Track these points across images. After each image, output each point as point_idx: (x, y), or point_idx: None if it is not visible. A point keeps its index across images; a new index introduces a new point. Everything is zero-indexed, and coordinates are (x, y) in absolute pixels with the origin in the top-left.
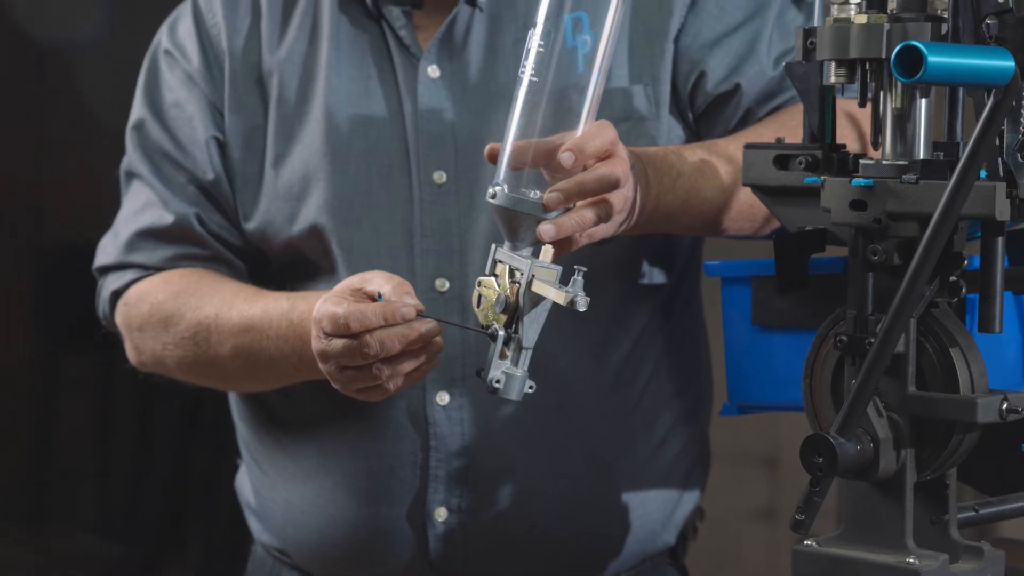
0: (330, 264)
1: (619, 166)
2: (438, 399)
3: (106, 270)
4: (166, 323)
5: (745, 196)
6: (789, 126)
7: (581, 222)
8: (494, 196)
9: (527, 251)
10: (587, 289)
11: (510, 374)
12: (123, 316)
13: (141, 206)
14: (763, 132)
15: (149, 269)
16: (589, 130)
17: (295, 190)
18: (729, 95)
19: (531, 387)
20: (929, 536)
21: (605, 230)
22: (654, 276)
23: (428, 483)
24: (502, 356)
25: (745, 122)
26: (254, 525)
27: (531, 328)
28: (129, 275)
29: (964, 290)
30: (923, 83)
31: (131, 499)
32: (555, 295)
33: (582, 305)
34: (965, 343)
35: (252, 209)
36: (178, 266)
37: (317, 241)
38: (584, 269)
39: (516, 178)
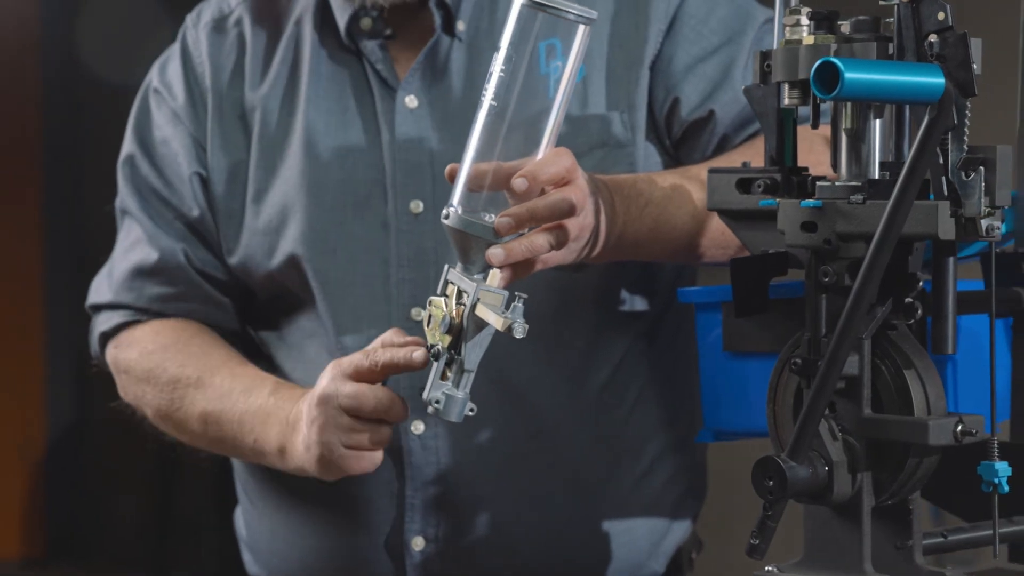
0: (311, 295)
1: (573, 193)
2: (413, 428)
3: (98, 308)
4: (149, 374)
5: (717, 223)
6: (763, 152)
7: (532, 248)
8: (447, 217)
9: (480, 275)
10: (564, 315)
11: (450, 395)
12: (112, 358)
13: (130, 244)
14: (736, 159)
15: (137, 310)
16: (545, 156)
17: (273, 223)
18: (703, 121)
19: (472, 410)
20: (893, 562)
21: (561, 257)
22: (634, 303)
23: (405, 512)
24: (443, 377)
25: (722, 149)
26: (246, 557)
27: (473, 351)
28: (117, 317)
29: (920, 311)
30: (842, 100)
31: None
32: (494, 320)
33: (519, 332)
34: (921, 365)
35: (235, 244)
36: (167, 309)
37: (295, 272)
38: (524, 296)
39: (472, 200)
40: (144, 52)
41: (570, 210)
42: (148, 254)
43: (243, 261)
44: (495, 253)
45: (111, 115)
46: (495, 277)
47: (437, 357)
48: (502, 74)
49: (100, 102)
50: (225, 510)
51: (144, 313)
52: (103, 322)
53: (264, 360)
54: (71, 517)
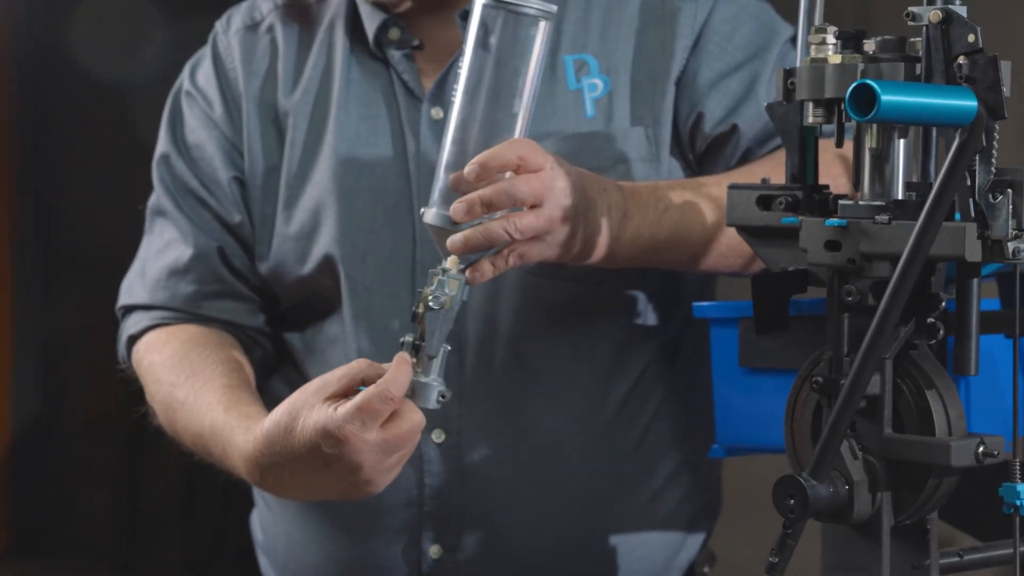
0: (340, 300)
1: (528, 182)
2: (434, 437)
3: (131, 310)
4: (153, 385)
5: (733, 231)
6: (783, 166)
7: (487, 235)
8: (423, 214)
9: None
10: (584, 330)
11: (420, 383)
12: (135, 363)
13: (165, 244)
14: (756, 172)
15: (170, 311)
16: (500, 145)
17: (306, 229)
18: (727, 136)
19: (443, 395)
20: None
21: (539, 252)
22: (656, 319)
23: (423, 520)
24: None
25: (745, 162)
26: (262, 561)
27: (433, 336)
28: (147, 320)
29: (942, 332)
30: (877, 122)
31: (214, 542)
32: (424, 296)
33: (434, 304)
34: (943, 385)
35: (266, 250)
36: (201, 308)
37: (328, 276)
38: (446, 268)
39: (450, 198)
40: (123, 51)
41: (517, 198)
42: (183, 252)
43: (274, 267)
44: (454, 240)
45: (84, 111)
46: (452, 263)
47: (403, 345)
48: (468, 73)
49: (74, 98)
50: (190, 504)
51: (177, 314)
52: (132, 325)
53: (290, 364)
54: (36, 511)
